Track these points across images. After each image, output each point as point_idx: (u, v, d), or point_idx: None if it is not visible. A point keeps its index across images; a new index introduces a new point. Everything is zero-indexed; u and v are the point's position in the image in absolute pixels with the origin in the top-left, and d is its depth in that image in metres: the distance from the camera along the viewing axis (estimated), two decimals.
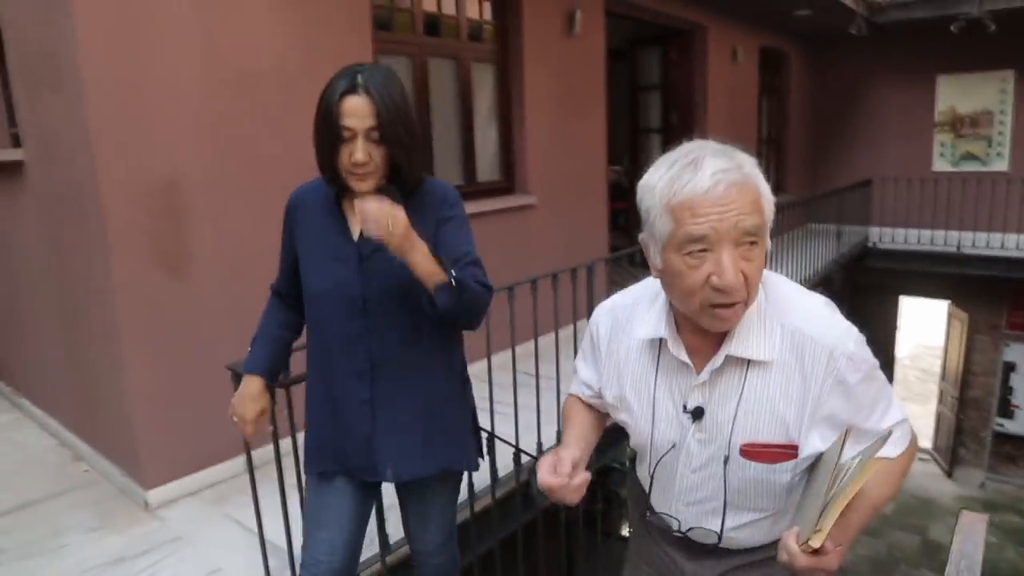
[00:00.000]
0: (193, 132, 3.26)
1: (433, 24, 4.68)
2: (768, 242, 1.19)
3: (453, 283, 1.59)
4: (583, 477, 1.26)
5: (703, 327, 1.23)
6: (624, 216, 8.77)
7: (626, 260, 6.06)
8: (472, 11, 4.95)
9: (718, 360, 1.25)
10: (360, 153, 1.60)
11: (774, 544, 1.27)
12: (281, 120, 3.58)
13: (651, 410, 1.35)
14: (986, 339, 10.37)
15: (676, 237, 1.15)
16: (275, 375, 1.92)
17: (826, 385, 1.21)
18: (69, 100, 3.07)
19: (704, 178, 1.12)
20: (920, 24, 9.15)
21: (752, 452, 1.25)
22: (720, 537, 1.34)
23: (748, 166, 1.17)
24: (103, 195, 3.01)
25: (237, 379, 1.98)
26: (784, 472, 1.26)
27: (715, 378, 1.27)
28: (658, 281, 1.33)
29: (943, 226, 9.60)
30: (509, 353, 3.25)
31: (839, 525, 1.09)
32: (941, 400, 11.42)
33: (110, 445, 3.52)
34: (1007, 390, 10.15)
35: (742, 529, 1.35)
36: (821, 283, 7.70)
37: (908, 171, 10.21)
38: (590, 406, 1.56)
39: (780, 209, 6.66)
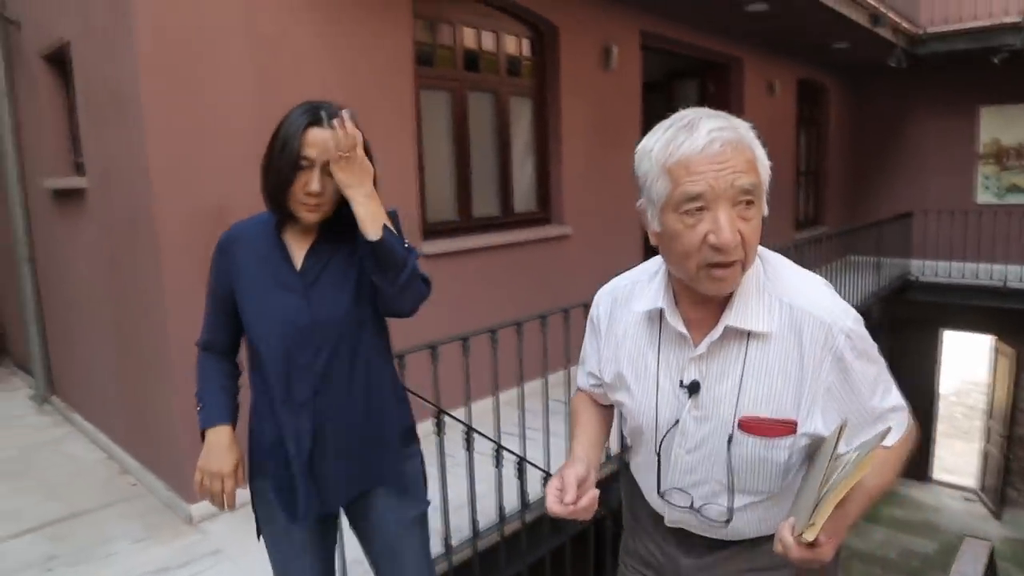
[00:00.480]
0: (242, 163, 3.41)
1: (473, 60, 4.85)
2: (765, 208, 1.20)
3: (407, 245, 1.68)
4: (590, 497, 1.25)
5: (701, 293, 1.24)
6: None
7: None
8: (511, 47, 5.12)
9: (717, 331, 1.25)
10: (316, 184, 1.62)
11: (771, 541, 1.30)
12: None
13: (655, 387, 1.35)
14: None
15: (673, 197, 1.16)
16: (234, 426, 1.82)
17: (825, 361, 1.22)
18: (130, 132, 3.27)
19: (700, 137, 1.14)
20: (961, 56, 9.10)
21: (751, 426, 1.25)
22: (731, 513, 1.32)
23: (743, 128, 1.18)
24: (158, 221, 3.19)
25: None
26: (782, 449, 1.25)
27: (713, 351, 1.27)
28: (657, 261, 1.35)
29: (988, 259, 9.43)
30: (540, 381, 3.33)
31: (835, 516, 1.09)
32: (988, 438, 11.11)
33: (157, 460, 3.67)
34: None
35: (741, 512, 1.34)
36: (861, 315, 7.62)
37: (950, 203, 10.08)
38: (596, 401, 1.57)
39: (818, 241, 6.69)
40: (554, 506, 1.24)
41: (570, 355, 3.39)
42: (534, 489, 3.23)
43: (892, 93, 10.68)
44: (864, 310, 7.80)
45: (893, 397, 1.29)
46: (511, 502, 3.07)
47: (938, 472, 11.37)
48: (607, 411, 1.57)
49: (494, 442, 2.91)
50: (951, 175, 10.34)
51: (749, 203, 1.16)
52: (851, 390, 1.23)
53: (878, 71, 9.73)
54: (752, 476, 1.29)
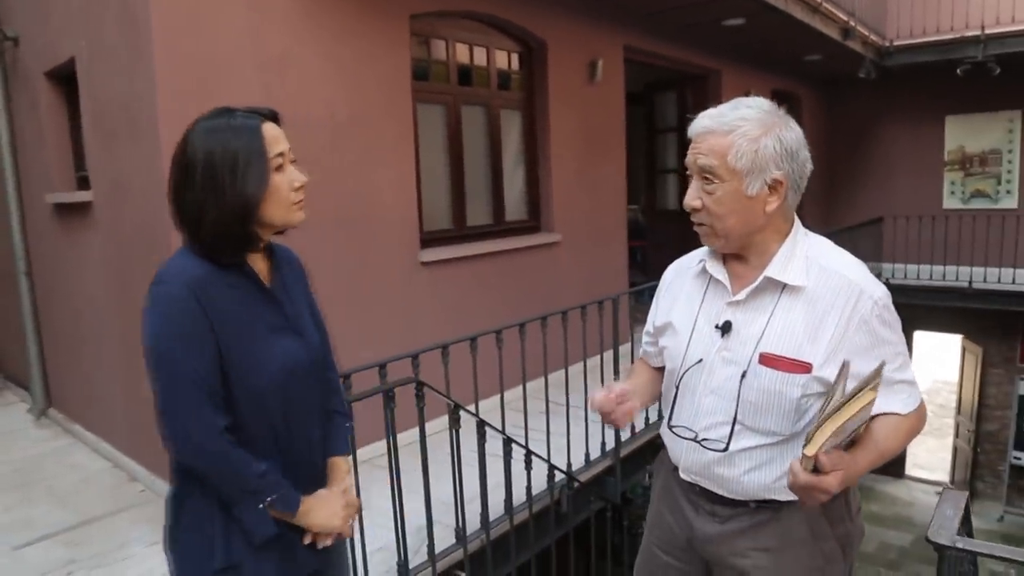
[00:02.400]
0: None
1: (466, 74, 5.02)
2: (751, 188, 1.40)
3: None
4: (631, 404, 1.48)
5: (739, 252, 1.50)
6: (641, 253, 9.01)
7: (648, 294, 6.27)
8: (501, 62, 5.29)
9: (757, 280, 1.45)
10: (301, 173, 1.48)
11: (771, 504, 1.46)
12: (330, 166, 3.89)
13: (691, 327, 1.55)
14: (1001, 372, 10.45)
15: None
16: None
17: (852, 322, 1.38)
18: (144, 147, 3.39)
19: (694, 123, 1.46)
20: (927, 67, 9.43)
21: (770, 359, 1.41)
22: (727, 445, 1.46)
23: (733, 118, 1.41)
24: (173, 232, 3.28)
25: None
26: (795, 386, 1.40)
27: (750, 299, 1.47)
28: None
29: (955, 262, 9.73)
30: (540, 381, 3.50)
31: (841, 455, 1.24)
32: (957, 434, 11.45)
33: (168, 466, 3.74)
34: (1023, 423, 10.20)
35: (747, 455, 1.46)
36: None
37: (919, 209, 10.40)
38: (648, 365, 1.78)
39: None
40: (597, 396, 1.48)
41: (568, 356, 3.57)
42: (538, 482, 3.38)
43: (863, 103, 11.02)
44: None
45: (908, 372, 1.45)
46: (519, 495, 3.22)
47: (911, 468, 11.71)
48: (657, 372, 1.76)
49: (502, 433, 3.05)
50: (919, 181, 10.68)
51: (708, 179, 1.43)
52: (872, 354, 1.39)
53: (849, 82, 10.04)
54: (765, 412, 1.44)
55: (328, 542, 1.57)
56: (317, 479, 1.59)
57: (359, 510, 1.68)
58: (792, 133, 1.43)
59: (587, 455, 3.85)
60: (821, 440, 1.20)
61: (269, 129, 1.44)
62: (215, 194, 1.39)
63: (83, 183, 4.30)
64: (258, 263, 1.52)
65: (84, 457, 4.44)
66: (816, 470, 1.22)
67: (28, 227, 5.02)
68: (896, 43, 9.38)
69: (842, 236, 8.55)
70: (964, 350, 11.14)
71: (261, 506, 1.42)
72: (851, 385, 1.28)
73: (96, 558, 3.23)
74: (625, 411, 1.48)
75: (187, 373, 1.37)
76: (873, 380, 1.25)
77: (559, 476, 3.53)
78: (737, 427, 1.46)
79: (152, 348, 1.39)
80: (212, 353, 1.39)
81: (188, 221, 1.42)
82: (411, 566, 2.81)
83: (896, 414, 1.42)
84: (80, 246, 4.36)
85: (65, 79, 4.33)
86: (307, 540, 1.53)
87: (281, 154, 1.44)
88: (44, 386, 5.19)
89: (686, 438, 1.54)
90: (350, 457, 1.69)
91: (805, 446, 1.22)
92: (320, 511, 1.52)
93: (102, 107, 3.82)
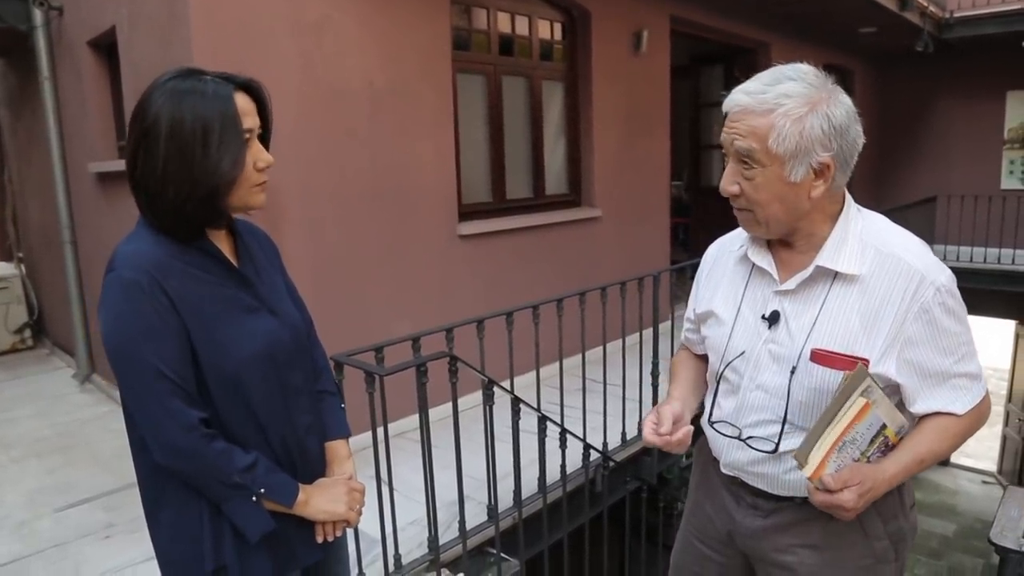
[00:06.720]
0: (289, 145, 3.52)
1: (507, 44, 4.92)
2: (793, 174, 1.25)
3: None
4: (684, 432, 1.37)
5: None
6: (684, 230, 8.84)
7: (689, 271, 6.15)
8: (544, 32, 5.18)
9: (808, 270, 1.33)
10: (267, 152, 1.40)
11: (821, 515, 1.35)
12: (367, 135, 3.84)
13: (735, 315, 1.44)
14: None
15: None
16: None
17: (911, 310, 1.26)
18: None
19: (728, 99, 1.30)
20: (989, 40, 9.03)
21: (823, 356, 1.29)
22: (777, 446, 1.36)
23: (774, 96, 1.24)
24: None
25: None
26: None
27: (800, 289, 1.35)
28: None
29: (1011, 244, 9.39)
30: (577, 358, 3.42)
31: (862, 467, 1.19)
32: (1007, 422, 11.13)
33: None
34: None
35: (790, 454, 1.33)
36: None
37: (975, 189, 10.02)
38: (693, 355, 1.66)
39: None
40: (650, 436, 1.37)
41: (607, 334, 3.49)
42: (573, 461, 3.32)
43: (918, 78, 10.62)
44: None
45: (971, 365, 1.32)
46: (553, 473, 3.17)
47: (957, 456, 11.38)
48: (703, 361, 1.64)
49: (537, 411, 2.99)
50: (976, 160, 10.29)
51: (746, 164, 1.29)
52: (931, 345, 1.28)
53: (904, 56, 9.67)
54: (813, 411, 1.32)
55: (337, 532, 1.49)
56: (314, 467, 1.50)
57: (382, 491, 1.61)
58: (841, 108, 1.27)
59: (623, 434, 3.78)
60: (818, 459, 1.15)
61: (241, 100, 1.33)
62: (182, 167, 1.26)
63: (124, 152, 4.31)
64: (222, 242, 1.41)
65: (124, 423, 4.50)
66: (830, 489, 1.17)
67: (73, 196, 5.08)
68: (957, 14, 8.97)
69: (892, 216, 7.97)
70: (1018, 336, 10.78)
71: (254, 499, 1.33)
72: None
73: (134, 522, 3.27)
74: (680, 440, 1.37)
75: (152, 367, 1.25)
76: (859, 385, 1.17)
77: (594, 455, 3.47)
78: (787, 427, 1.36)
79: (112, 343, 1.27)
80: (180, 341, 1.27)
81: (145, 191, 1.29)
82: (442, 541, 2.78)
83: (951, 414, 1.31)
84: (121, 215, 4.39)
85: (107, 48, 4.34)
86: (319, 537, 1.46)
87: (249, 130, 1.34)
88: (88, 353, 5.28)
89: (729, 435, 1.44)
90: (348, 440, 1.60)
91: (802, 468, 1.16)
92: (319, 498, 1.44)
93: (141, 76, 3.81)
